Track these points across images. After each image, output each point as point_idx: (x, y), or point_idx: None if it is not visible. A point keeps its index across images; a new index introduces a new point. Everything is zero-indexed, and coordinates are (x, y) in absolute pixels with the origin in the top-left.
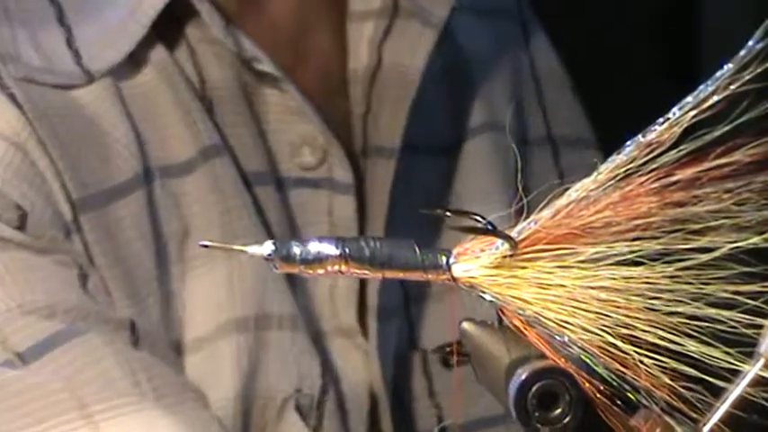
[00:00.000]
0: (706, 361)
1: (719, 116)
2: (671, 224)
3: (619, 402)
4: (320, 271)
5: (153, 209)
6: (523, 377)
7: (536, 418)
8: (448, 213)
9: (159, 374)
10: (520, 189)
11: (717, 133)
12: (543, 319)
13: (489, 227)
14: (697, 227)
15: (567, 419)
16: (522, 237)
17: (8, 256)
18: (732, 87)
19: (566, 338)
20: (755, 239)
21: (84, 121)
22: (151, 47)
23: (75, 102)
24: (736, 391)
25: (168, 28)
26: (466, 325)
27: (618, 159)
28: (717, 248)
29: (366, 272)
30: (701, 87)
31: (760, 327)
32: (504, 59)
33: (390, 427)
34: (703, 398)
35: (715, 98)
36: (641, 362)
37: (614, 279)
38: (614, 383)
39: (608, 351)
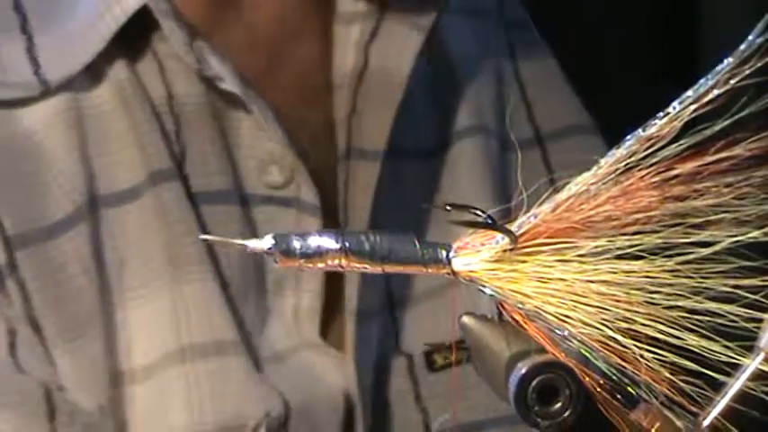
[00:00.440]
0: (706, 355)
1: (720, 110)
2: (671, 218)
3: (619, 396)
4: (320, 265)
5: (97, 240)
6: (523, 371)
7: (536, 412)
8: (448, 207)
9: None
10: (520, 188)
11: (717, 128)
12: (543, 313)
13: (489, 221)
14: (697, 221)
15: (567, 413)
16: (522, 231)
17: None
18: (732, 82)
19: (566, 332)
20: (755, 233)
21: (27, 151)
22: (111, 63)
23: (21, 128)
24: (736, 384)
25: (135, 41)
26: (466, 319)
27: (618, 153)
28: (717, 242)
29: (366, 266)
30: (701, 81)
31: (760, 321)
32: (488, 61)
33: None
34: (703, 392)
35: (715, 92)
36: (641, 356)
37: (614, 273)
38: (614, 377)
39: (608, 345)
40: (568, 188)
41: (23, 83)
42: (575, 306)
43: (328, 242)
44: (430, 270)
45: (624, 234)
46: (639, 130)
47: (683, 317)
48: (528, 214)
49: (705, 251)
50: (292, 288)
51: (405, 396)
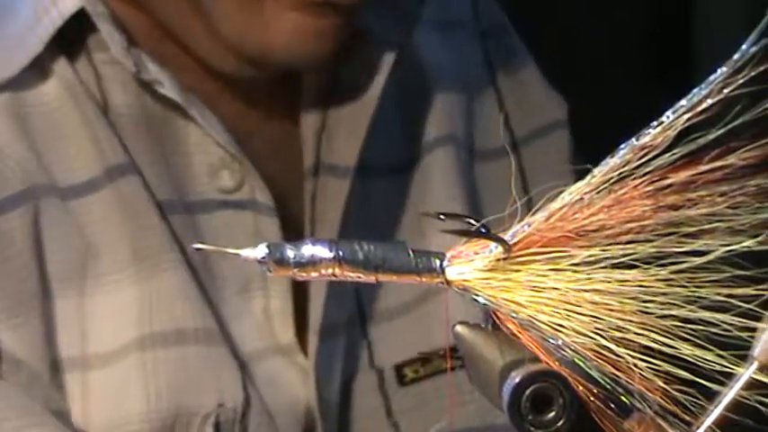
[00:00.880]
0: (700, 364)
1: (713, 120)
2: (665, 227)
3: (612, 405)
4: (314, 274)
5: (37, 226)
6: (517, 380)
7: (530, 421)
8: (442, 216)
9: (3, 398)
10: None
11: (711, 137)
12: (537, 322)
13: (483, 230)
14: (691, 230)
15: (561, 422)
16: (515, 240)
17: None
18: (726, 91)
19: (559, 341)
20: (749, 243)
21: None
22: (55, 61)
23: None
24: (729, 394)
25: (73, 47)
26: (459, 328)
27: (612, 163)
28: (711, 251)
29: (360, 275)
30: (695, 91)
31: (753, 330)
32: (462, 73)
33: None
34: (697, 401)
35: (709, 101)
36: (635, 365)
37: (608, 282)
38: (608, 386)
39: (602, 354)
40: (562, 197)
41: None
42: (568, 315)
43: (322, 251)
44: (424, 279)
45: (618, 243)
46: (633, 139)
47: (677, 326)
48: (522, 223)
49: (699, 260)
50: (260, 289)
51: (376, 411)
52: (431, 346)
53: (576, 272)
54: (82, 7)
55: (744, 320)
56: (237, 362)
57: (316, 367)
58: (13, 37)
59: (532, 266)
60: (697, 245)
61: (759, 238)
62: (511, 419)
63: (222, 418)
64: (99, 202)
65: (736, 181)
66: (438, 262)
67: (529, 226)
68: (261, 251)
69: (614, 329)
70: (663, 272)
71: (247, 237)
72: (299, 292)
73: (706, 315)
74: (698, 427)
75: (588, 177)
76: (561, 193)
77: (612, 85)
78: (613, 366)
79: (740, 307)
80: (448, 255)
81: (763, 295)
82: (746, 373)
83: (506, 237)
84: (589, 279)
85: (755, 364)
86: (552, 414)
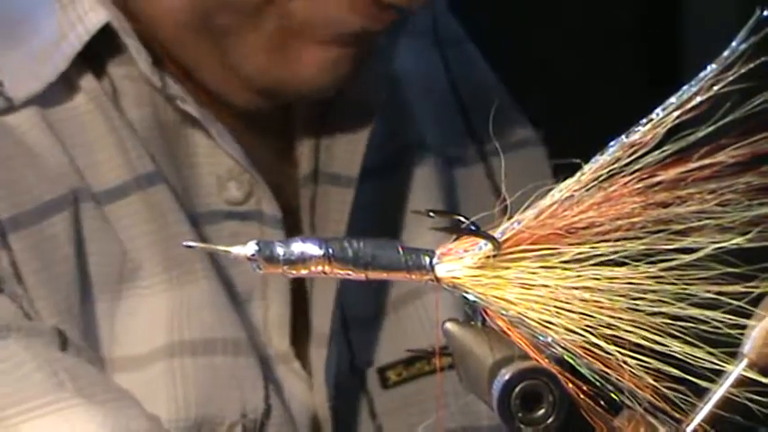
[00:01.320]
0: (689, 361)
1: (703, 117)
2: (654, 225)
3: (602, 403)
4: (304, 271)
5: (78, 229)
6: (507, 377)
7: (519, 418)
8: (431, 214)
9: (84, 375)
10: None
11: (700, 134)
12: (527, 320)
13: (473, 227)
14: (680, 227)
15: (551, 420)
16: (505, 237)
17: None
18: (715, 88)
19: (549, 339)
20: (739, 240)
21: (12, 141)
22: (81, 75)
23: (2, 124)
24: (719, 391)
25: (94, 61)
26: (449, 325)
27: (602, 160)
28: (700, 249)
29: (349, 272)
30: (685, 88)
31: (743, 327)
32: (427, 79)
33: None
34: (687, 398)
35: (698, 99)
36: (625, 362)
37: (598, 279)
38: (598, 384)
39: (591, 351)
40: (551, 194)
41: None
42: (558, 312)
43: (312, 248)
44: (413, 276)
45: (607, 240)
46: (623, 136)
47: (667, 323)
48: (511, 221)
49: (688, 257)
50: (260, 298)
51: (360, 414)
52: (411, 348)
53: (565, 269)
54: (107, 23)
55: (733, 318)
56: (262, 371)
57: (326, 374)
58: (38, 52)
59: (522, 264)
60: (687, 242)
61: (748, 236)
62: (501, 416)
63: (246, 427)
64: (130, 208)
65: (725, 178)
66: (428, 259)
67: (518, 223)
68: (251, 248)
69: (604, 327)
70: (652, 269)
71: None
72: (298, 299)
73: (696, 312)
74: (688, 425)
75: (578, 174)
76: (551, 190)
77: (601, 82)
78: (603, 363)
79: (730, 304)
80: (438, 252)
81: (752, 292)
82: (736, 370)
83: (496, 234)
84: (579, 276)
85: (745, 362)
86: (542, 411)
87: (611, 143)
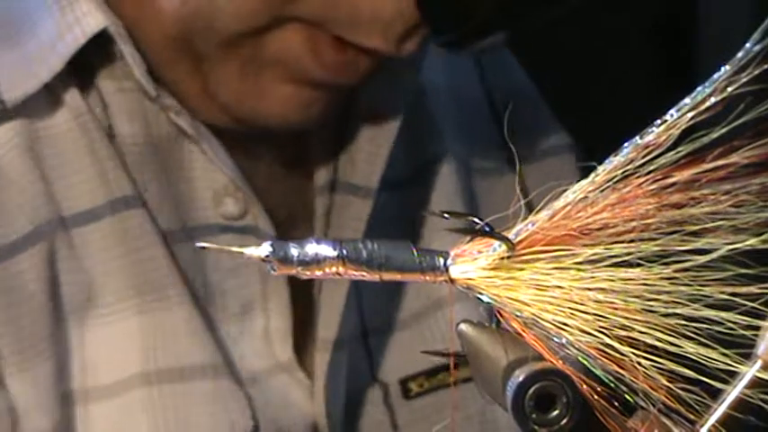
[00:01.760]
0: (703, 362)
1: (717, 118)
2: (669, 226)
3: (616, 404)
4: (318, 272)
5: (52, 261)
6: (521, 379)
7: (533, 419)
8: (446, 215)
9: None
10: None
11: (714, 135)
12: (541, 321)
13: (487, 228)
14: (695, 228)
15: (565, 421)
16: (519, 238)
17: None
18: (730, 89)
19: (563, 340)
20: (753, 241)
21: None
22: (67, 89)
23: None
24: (733, 392)
25: (83, 75)
26: (464, 326)
27: (615, 161)
28: (714, 250)
29: (363, 273)
30: (699, 89)
31: (757, 328)
32: (459, 90)
33: None
34: (701, 399)
35: (713, 100)
36: (639, 363)
37: (612, 281)
38: (612, 385)
39: (605, 352)
40: (566, 196)
41: None
42: (572, 313)
43: (326, 249)
44: (427, 277)
45: (621, 241)
46: (637, 137)
47: (681, 324)
48: (525, 222)
49: (703, 259)
50: (261, 309)
51: (381, 425)
52: (433, 360)
53: (579, 270)
54: (105, 28)
55: (748, 319)
56: (243, 390)
57: (326, 382)
58: (33, 54)
59: (536, 265)
60: (701, 243)
61: (763, 237)
62: (515, 418)
63: None
64: (99, 232)
65: (739, 179)
66: (442, 260)
67: (533, 224)
68: (264, 249)
69: (618, 328)
70: (667, 270)
71: (249, 262)
72: (300, 306)
73: (710, 313)
74: (702, 426)
75: (592, 176)
76: (565, 191)
77: (615, 84)
78: (617, 365)
79: (744, 305)
80: (452, 253)
81: (766, 293)
82: (750, 371)
83: (510, 235)
84: (593, 277)
85: (759, 363)
86: (556, 413)
87: (626, 144)
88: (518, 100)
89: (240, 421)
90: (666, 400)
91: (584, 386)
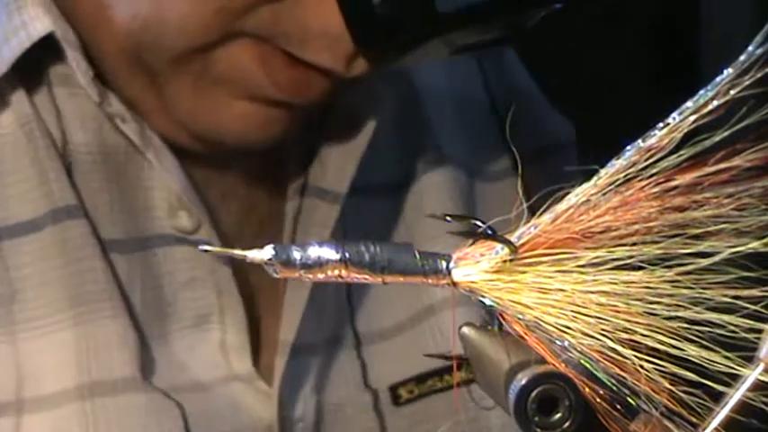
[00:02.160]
0: (706, 365)
1: (719, 121)
2: (671, 229)
3: (618, 407)
4: (320, 275)
5: None
6: (523, 382)
7: (536, 422)
8: (448, 218)
9: None
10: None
11: (717, 138)
12: (543, 324)
13: (489, 231)
14: (697, 232)
15: (567, 424)
16: (522, 241)
17: None
18: (732, 92)
19: (566, 343)
20: (755, 244)
21: None
22: (14, 92)
23: None
24: (736, 395)
25: (33, 79)
26: (466, 329)
27: (618, 164)
28: (717, 253)
29: (366, 276)
30: (701, 92)
31: (760, 331)
32: (460, 94)
33: None
34: (703, 402)
35: (715, 103)
36: (641, 366)
37: (614, 284)
38: (614, 388)
39: (608, 356)
40: (568, 199)
41: None
42: (574, 317)
43: (328, 253)
44: (430, 280)
45: (624, 245)
46: (639, 140)
47: (683, 327)
48: (528, 225)
49: (705, 262)
50: (218, 322)
51: (370, 431)
52: (425, 366)
53: (582, 273)
54: (51, 32)
55: (750, 322)
56: (177, 402)
57: (281, 386)
58: None
59: (539, 268)
60: (703, 246)
61: (765, 240)
62: (517, 421)
63: None
64: (36, 243)
65: (742, 182)
66: (444, 263)
67: (535, 227)
68: (267, 253)
69: (620, 331)
70: (669, 273)
71: (204, 272)
72: (266, 315)
73: (712, 316)
74: (704, 429)
75: (594, 179)
76: (567, 194)
77: (617, 87)
78: (619, 368)
79: (746, 308)
80: (454, 256)
81: None
82: (753, 374)
83: (512, 238)
84: (595, 280)
85: (762, 366)
86: (558, 416)
87: (628, 147)
88: (521, 102)
89: None
90: (669, 403)
91: (587, 389)
